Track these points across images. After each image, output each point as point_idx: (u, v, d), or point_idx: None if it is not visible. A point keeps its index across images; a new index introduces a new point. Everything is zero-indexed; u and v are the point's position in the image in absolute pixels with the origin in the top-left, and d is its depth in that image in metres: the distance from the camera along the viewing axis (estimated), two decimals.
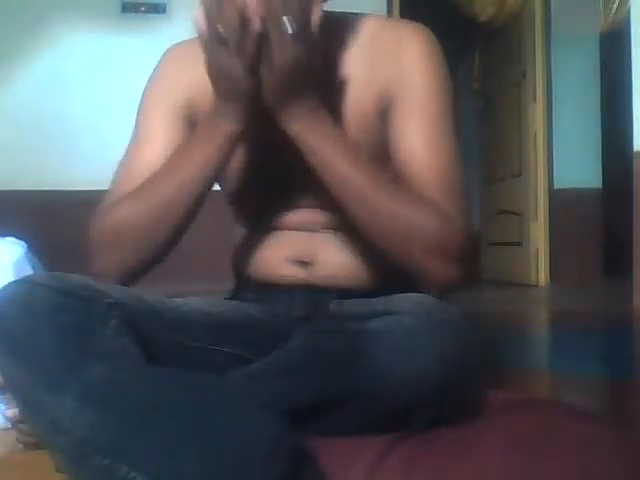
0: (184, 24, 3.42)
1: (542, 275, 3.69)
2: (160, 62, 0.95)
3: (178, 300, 0.84)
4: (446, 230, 0.78)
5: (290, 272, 0.89)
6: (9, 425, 0.84)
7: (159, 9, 3.24)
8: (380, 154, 0.85)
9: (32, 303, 0.67)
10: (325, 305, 0.82)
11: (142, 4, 3.23)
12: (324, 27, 0.75)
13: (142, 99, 0.92)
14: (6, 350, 0.67)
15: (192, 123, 0.89)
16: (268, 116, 0.78)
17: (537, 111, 3.68)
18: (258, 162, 0.89)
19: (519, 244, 3.84)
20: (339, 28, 0.86)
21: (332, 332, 0.72)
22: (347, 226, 0.84)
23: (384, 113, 0.85)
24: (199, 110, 0.88)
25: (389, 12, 3.34)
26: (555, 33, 3.65)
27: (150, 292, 0.80)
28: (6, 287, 0.69)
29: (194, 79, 0.86)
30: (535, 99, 3.68)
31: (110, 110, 3.07)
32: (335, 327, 0.73)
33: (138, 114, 0.92)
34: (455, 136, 0.84)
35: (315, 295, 0.87)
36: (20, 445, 0.84)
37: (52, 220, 2.86)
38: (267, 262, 0.91)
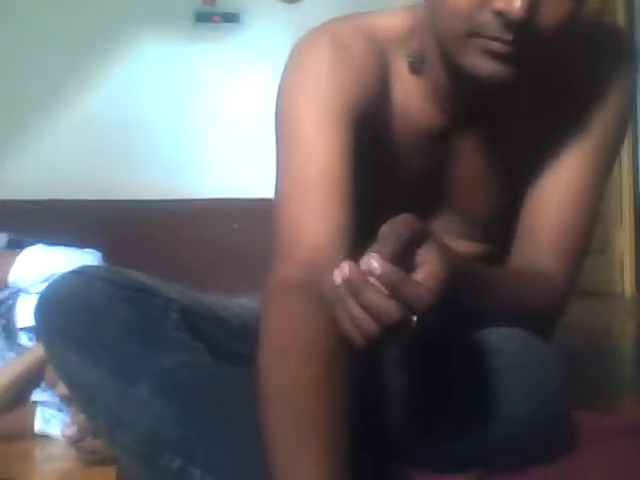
0: (257, 33, 3.46)
1: (628, 284, 3.53)
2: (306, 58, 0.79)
3: (243, 302, 0.81)
4: (554, 304, 0.77)
5: None
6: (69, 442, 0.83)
7: (233, 19, 3.26)
8: None
9: (91, 294, 0.65)
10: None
11: (216, 14, 3.25)
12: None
13: (292, 107, 0.77)
14: (69, 343, 0.65)
15: (358, 129, 0.74)
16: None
17: None
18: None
19: (602, 251, 3.69)
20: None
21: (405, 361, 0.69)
22: None
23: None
24: (367, 114, 0.75)
25: None
26: None
27: (211, 295, 0.78)
28: (62, 279, 0.68)
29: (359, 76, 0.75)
30: None
31: (185, 118, 3.10)
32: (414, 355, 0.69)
33: (288, 125, 0.77)
34: (604, 186, 0.79)
35: None
36: (80, 461, 0.84)
37: (128, 229, 2.90)
38: None
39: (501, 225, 0.83)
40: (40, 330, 0.68)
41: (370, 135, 0.74)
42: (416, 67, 0.77)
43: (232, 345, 0.74)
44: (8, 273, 1.55)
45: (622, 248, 3.55)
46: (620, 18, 3.53)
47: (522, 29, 0.62)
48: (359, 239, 0.82)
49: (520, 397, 0.65)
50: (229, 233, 2.96)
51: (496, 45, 0.64)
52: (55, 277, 0.70)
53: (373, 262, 0.52)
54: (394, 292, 0.52)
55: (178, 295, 0.71)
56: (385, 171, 0.79)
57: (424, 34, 0.75)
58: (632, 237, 3.54)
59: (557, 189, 0.77)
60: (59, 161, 3.08)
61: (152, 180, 3.09)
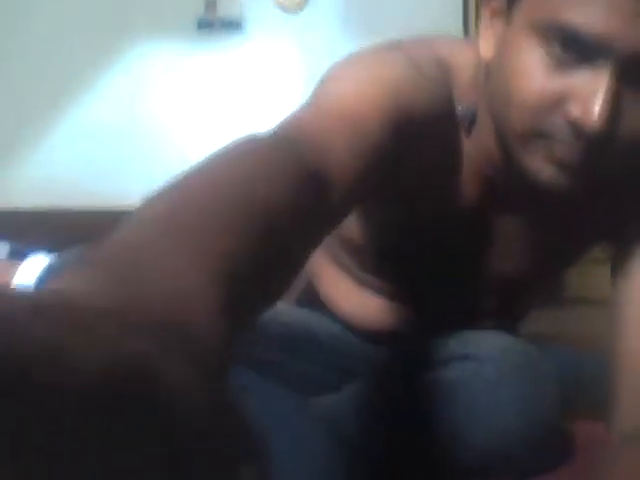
0: (259, 41, 3.47)
1: None
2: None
3: (283, 310, 0.79)
4: None
5: (399, 330, 0.83)
6: None
7: (234, 26, 3.26)
8: None
9: None
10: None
11: (217, 21, 3.26)
12: None
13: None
14: None
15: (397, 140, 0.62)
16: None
17: None
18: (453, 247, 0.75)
19: (602, 261, 3.68)
20: None
21: (405, 379, 0.68)
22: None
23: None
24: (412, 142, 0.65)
25: (465, 30, 3.27)
26: None
27: None
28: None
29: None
30: None
31: (188, 126, 3.11)
32: (410, 373, 0.68)
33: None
34: None
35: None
36: None
37: None
38: (381, 322, 0.84)
39: (540, 292, 0.80)
40: None
41: (403, 160, 0.64)
42: (466, 126, 0.68)
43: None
44: (10, 283, 1.55)
45: None
46: None
47: (597, 140, 0.55)
48: (386, 285, 0.80)
49: (513, 408, 0.64)
50: None
51: (563, 152, 0.57)
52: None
53: None
54: None
55: None
56: (420, 221, 0.72)
57: (481, 98, 0.66)
58: None
59: None
60: (58, 170, 3.08)
61: (153, 189, 3.08)
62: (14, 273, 1.56)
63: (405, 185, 0.67)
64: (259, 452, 0.27)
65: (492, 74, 0.62)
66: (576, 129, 0.55)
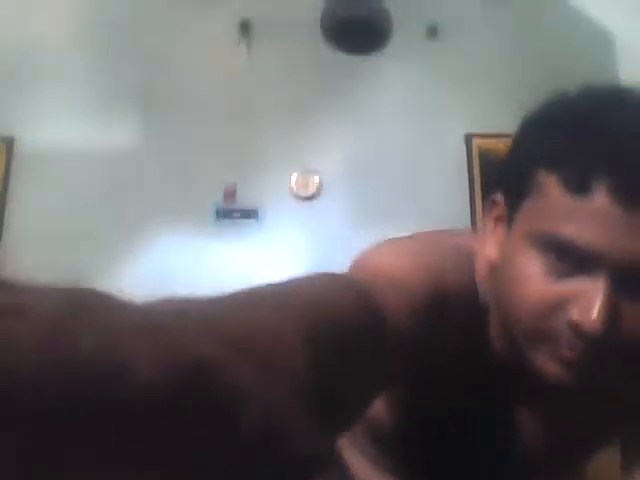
0: (275, 229, 3.59)
1: None
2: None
3: None
4: None
5: None
6: None
7: (251, 215, 3.40)
8: None
9: None
10: None
11: (235, 210, 3.41)
12: None
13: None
14: None
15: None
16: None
17: None
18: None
19: None
20: None
21: None
22: None
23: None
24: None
25: (472, 221, 3.40)
26: None
27: None
28: None
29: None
30: None
31: None
32: None
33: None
34: None
35: None
36: None
37: None
38: None
39: None
40: None
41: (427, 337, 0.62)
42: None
43: None
44: None
45: None
46: None
47: (597, 340, 0.57)
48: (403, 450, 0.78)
49: None
50: None
51: (567, 352, 0.59)
52: None
53: None
54: None
55: None
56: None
57: (490, 291, 0.68)
58: None
59: None
60: None
61: None
62: None
63: (436, 367, 0.68)
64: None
65: (497, 274, 0.65)
66: (577, 331, 0.57)
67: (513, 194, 0.64)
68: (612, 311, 0.56)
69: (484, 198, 3.53)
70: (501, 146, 3.60)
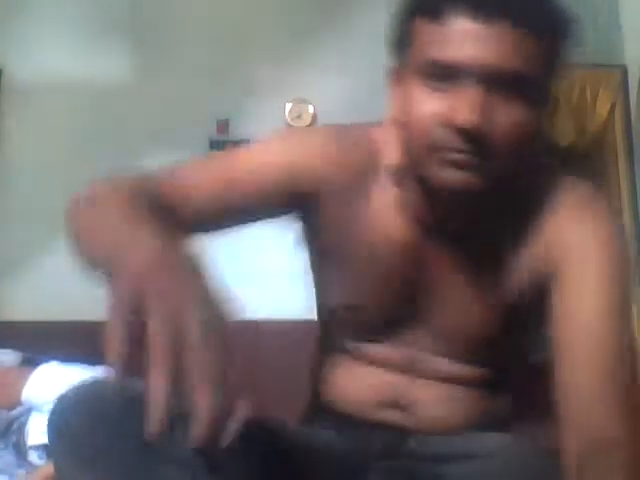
0: None
1: None
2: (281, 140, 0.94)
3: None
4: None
5: (383, 415, 0.85)
6: None
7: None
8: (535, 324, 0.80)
9: (103, 409, 0.66)
10: (405, 440, 0.78)
11: (229, 141, 3.39)
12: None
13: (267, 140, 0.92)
14: (79, 461, 0.65)
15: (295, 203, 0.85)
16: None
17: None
18: (385, 288, 0.86)
19: None
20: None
21: (410, 475, 0.68)
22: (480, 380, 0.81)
23: (541, 284, 0.80)
24: (323, 210, 0.85)
25: None
26: (639, 155, 3.61)
27: None
28: (71, 392, 0.69)
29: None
30: (622, 222, 3.60)
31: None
32: (413, 469, 0.69)
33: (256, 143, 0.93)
34: (626, 340, 0.77)
35: (398, 432, 0.83)
36: None
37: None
38: (359, 399, 0.87)
39: (495, 348, 0.82)
40: (50, 446, 0.69)
41: (330, 224, 0.84)
42: (395, 180, 0.83)
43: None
44: (21, 390, 1.56)
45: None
46: (620, 147, 3.65)
47: (477, 138, 0.69)
48: (328, 336, 0.87)
49: None
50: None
51: (456, 156, 0.71)
52: (65, 392, 0.70)
53: None
54: None
55: None
56: (356, 271, 0.84)
57: (400, 149, 0.82)
58: None
59: (580, 337, 0.75)
60: (75, 285, 3.10)
61: None
62: (25, 380, 1.57)
63: (350, 243, 0.83)
64: None
65: (400, 122, 0.77)
66: (459, 130, 0.69)
67: (401, 51, 0.78)
68: (485, 107, 0.68)
69: None
70: None
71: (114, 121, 3.29)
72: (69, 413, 0.68)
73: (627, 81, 3.66)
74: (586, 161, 3.89)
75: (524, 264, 0.81)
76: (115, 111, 3.29)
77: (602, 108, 3.63)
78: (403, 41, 0.77)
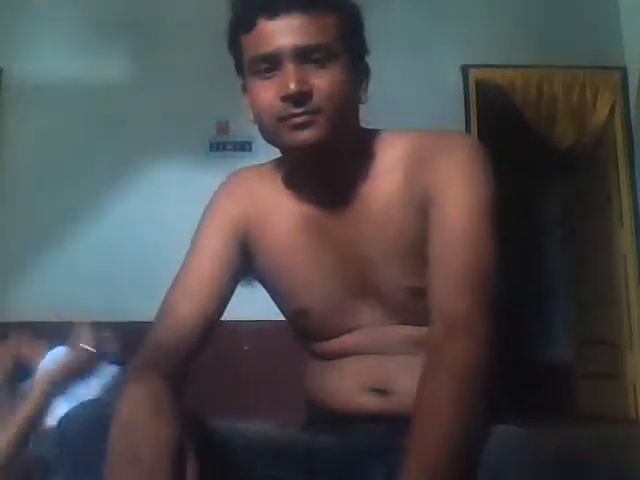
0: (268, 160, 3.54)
1: None
2: (223, 187, 1.05)
3: (250, 426, 0.83)
4: (475, 361, 0.75)
5: (366, 401, 0.86)
6: None
7: (245, 147, 3.39)
8: (418, 252, 0.85)
9: (102, 426, 0.68)
10: (402, 434, 0.78)
11: (229, 143, 3.39)
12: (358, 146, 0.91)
13: (202, 220, 1.01)
14: (72, 471, 0.68)
15: (244, 249, 0.96)
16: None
17: (625, 236, 3.59)
18: (328, 271, 0.92)
19: (613, 376, 3.64)
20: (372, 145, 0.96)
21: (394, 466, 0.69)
22: None
23: (423, 213, 0.86)
24: (252, 240, 0.96)
25: None
26: (639, 156, 3.61)
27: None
28: (75, 410, 0.72)
29: (251, 210, 0.97)
30: (622, 224, 3.61)
31: None
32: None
33: (196, 232, 1.00)
34: (492, 245, 0.83)
35: (392, 424, 0.83)
36: None
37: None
38: (340, 392, 0.89)
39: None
40: (55, 458, 0.73)
41: (262, 237, 0.95)
42: (288, 180, 0.97)
43: (236, 460, 0.79)
44: (38, 363, 1.65)
45: (634, 372, 3.51)
46: (620, 147, 3.66)
47: (304, 100, 0.85)
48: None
49: None
50: (239, 355, 2.97)
51: (296, 120, 0.86)
52: (73, 408, 0.74)
53: None
54: None
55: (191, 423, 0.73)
56: (288, 278, 0.94)
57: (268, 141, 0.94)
58: None
59: (450, 237, 0.83)
60: (77, 284, 3.12)
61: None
62: (42, 354, 1.65)
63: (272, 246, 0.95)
64: None
65: (257, 118, 0.91)
66: (290, 100, 0.85)
67: (239, 64, 0.93)
68: (301, 76, 0.85)
69: (479, 128, 3.53)
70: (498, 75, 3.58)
71: (114, 121, 3.29)
72: (74, 427, 0.72)
73: (627, 82, 3.67)
74: (586, 161, 3.90)
75: (409, 203, 0.88)
76: (115, 111, 3.29)
77: (602, 108, 3.64)
78: (236, 56, 0.94)
